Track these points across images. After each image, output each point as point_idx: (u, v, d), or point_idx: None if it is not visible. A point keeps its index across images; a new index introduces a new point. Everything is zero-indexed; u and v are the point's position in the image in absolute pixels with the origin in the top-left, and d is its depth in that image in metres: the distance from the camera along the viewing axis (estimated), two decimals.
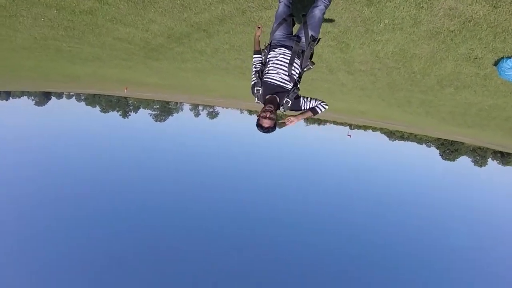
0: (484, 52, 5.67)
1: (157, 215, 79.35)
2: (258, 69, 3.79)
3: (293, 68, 3.60)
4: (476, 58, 5.97)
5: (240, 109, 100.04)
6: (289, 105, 3.60)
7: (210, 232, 75.23)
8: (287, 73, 3.60)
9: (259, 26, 3.93)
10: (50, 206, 76.41)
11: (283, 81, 3.59)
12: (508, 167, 77.30)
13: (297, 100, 3.63)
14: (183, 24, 6.79)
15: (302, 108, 3.67)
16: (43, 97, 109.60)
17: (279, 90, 3.58)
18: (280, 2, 3.81)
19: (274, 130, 3.48)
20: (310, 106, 3.68)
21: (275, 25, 3.78)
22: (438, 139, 70.63)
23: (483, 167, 79.51)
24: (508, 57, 5.50)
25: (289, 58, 3.61)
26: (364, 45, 6.63)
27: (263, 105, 3.58)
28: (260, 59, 3.85)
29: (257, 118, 3.43)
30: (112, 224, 75.28)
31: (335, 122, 78.60)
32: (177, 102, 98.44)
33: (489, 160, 78.20)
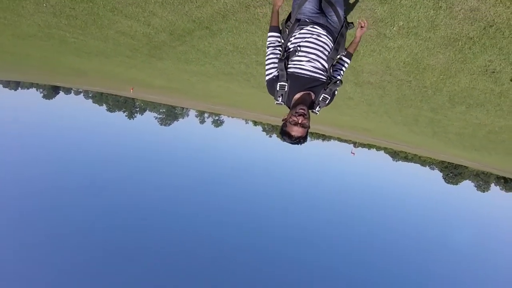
0: (503, 65, 5.30)
1: (154, 217, 79.73)
2: (278, 55, 2.80)
3: (330, 54, 2.72)
4: (493, 71, 5.60)
5: (245, 120, 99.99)
6: (326, 102, 2.71)
7: (208, 237, 75.61)
8: (324, 60, 2.70)
9: None
10: (49, 207, 76.79)
11: (317, 71, 2.67)
12: (511, 193, 76.96)
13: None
14: (185, 19, 6.43)
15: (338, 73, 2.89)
16: (52, 91, 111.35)
17: (314, 84, 2.65)
18: None
19: (306, 140, 2.58)
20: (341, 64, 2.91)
21: None
22: (442, 161, 70.40)
23: (485, 192, 79.24)
24: None
25: (326, 40, 2.71)
26: (375, 53, 6.23)
27: (287, 107, 2.75)
28: (279, 40, 2.86)
29: (282, 123, 2.57)
30: (109, 223, 75.82)
31: (339, 139, 78.48)
32: (183, 108, 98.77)
33: (492, 185, 77.93)
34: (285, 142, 2.56)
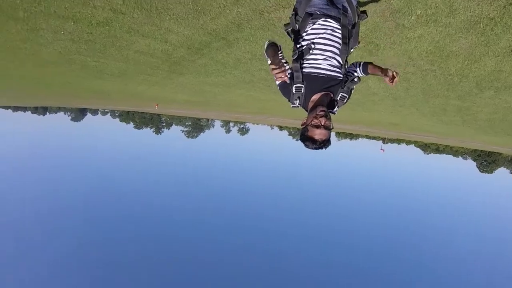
0: None
1: (188, 230, 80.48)
2: (282, 56, 2.59)
3: (343, 48, 2.54)
4: None
5: (270, 125, 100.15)
6: (344, 101, 2.57)
7: (242, 245, 75.81)
8: (339, 56, 2.53)
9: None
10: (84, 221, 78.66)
11: (334, 69, 2.49)
12: None
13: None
14: (201, 32, 6.52)
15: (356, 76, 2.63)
16: (79, 113, 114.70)
17: (332, 84, 2.48)
18: None
19: (330, 143, 2.37)
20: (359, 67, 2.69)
21: None
22: (475, 150, 68.91)
23: None
24: None
25: (340, 34, 2.55)
26: (395, 45, 6.15)
27: (304, 110, 2.55)
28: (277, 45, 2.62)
29: (303, 128, 2.38)
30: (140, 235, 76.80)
31: (367, 136, 77.55)
32: (208, 119, 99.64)
33: None
34: (308, 149, 2.38)
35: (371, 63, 2.68)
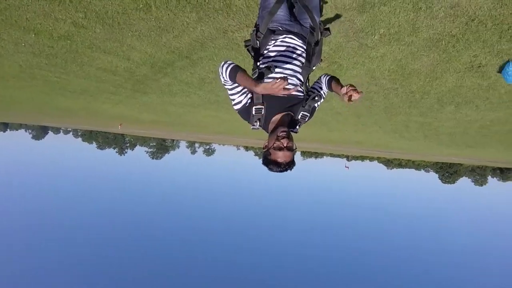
0: (488, 58, 5.23)
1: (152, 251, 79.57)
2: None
3: (305, 65, 2.46)
4: (479, 66, 5.54)
5: (237, 146, 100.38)
6: (306, 120, 2.47)
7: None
8: (300, 74, 2.45)
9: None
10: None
11: (295, 88, 2.26)
12: (509, 182, 77.77)
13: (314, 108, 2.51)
14: (164, 50, 6.32)
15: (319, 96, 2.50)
16: (41, 131, 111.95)
17: (293, 103, 2.39)
18: None
19: (295, 164, 2.26)
20: (324, 83, 2.55)
21: (270, 2, 2.48)
22: (436, 163, 70.95)
23: (484, 186, 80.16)
24: None
25: (302, 51, 2.47)
26: (358, 64, 6.14)
27: (265, 131, 2.44)
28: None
29: (265, 152, 2.26)
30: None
31: (332, 155, 78.74)
32: (173, 140, 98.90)
33: (489, 178, 78.86)
34: (272, 172, 2.27)
35: (335, 78, 2.51)
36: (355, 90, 2.18)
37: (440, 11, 4.16)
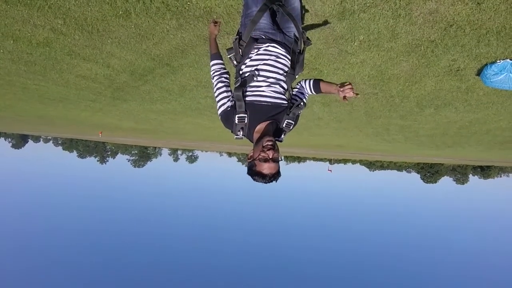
0: (467, 62, 5.30)
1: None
2: (227, 83, 2.55)
3: (289, 73, 2.49)
4: (458, 69, 5.62)
5: (219, 152, 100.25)
6: (290, 128, 2.46)
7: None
8: (283, 82, 2.47)
9: (215, 20, 2.73)
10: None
11: (278, 95, 2.42)
12: (490, 179, 79.25)
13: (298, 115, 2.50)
14: (144, 57, 6.26)
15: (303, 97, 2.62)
16: (20, 140, 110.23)
17: (277, 111, 2.39)
18: None
19: (280, 175, 2.25)
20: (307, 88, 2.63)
21: (253, 10, 2.47)
22: (418, 163, 71.86)
23: (465, 184, 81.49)
24: (492, 63, 5.16)
25: (285, 60, 2.49)
26: (338, 70, 6.17)
27: (249, 140, 2.45)
28: (223, 66, 2.60)
29: (249, 163, 2.26)
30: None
31: (314, 159, 79.16)
32: (155, 147, 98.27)
33: (470, 176, 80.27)
34: (258, 183, 2.24)
35: (321, 81, 2.58)
36: (351, 88, 2.32)
37: (419, 17, 4.20)
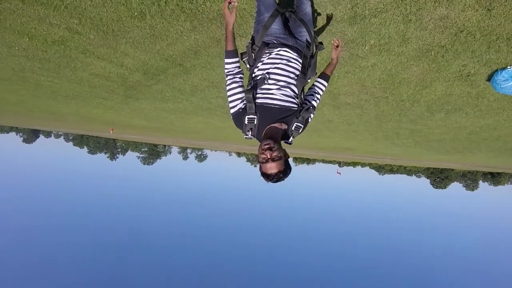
0: (477, 67, 5.31)
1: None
2: (240, 83, 2.55)
3: (300, 77, 2.53)
4: (468, 75, 5.62)
5: (228, 152, 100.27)
6: (299, 131, 2.50)
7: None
8: (294, 86, 2.51)
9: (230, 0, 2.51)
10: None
11: (288, 99, 2.46)
12: (500, 186, 78.27)
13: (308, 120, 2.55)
14: (157, 57, 6.35)
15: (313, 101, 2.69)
16: (32, 134, 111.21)
17: (286, 114, 2.43)
18: None
19: (288, 172, 2.31)
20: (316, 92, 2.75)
21: (265, 16, 2.56)
22: (427, 168, 71.26)
23: (475, 191, 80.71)
24: (502, 69, 5.16)
25: (297, 64, 2.54)
26: (349, 74, 6.24)
27: (258, 141, 2.46)
28: (238, 66, 2.57)
29: (259, 164, 2.30)
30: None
31: (323, 161, 78.88)
32: (165, 145, 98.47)
33: (480, 182, 79.39)
34: (269, 183, 2.34)
35: (323, 73, 2.84)
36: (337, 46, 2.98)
37: (429, 23, 4.24)
